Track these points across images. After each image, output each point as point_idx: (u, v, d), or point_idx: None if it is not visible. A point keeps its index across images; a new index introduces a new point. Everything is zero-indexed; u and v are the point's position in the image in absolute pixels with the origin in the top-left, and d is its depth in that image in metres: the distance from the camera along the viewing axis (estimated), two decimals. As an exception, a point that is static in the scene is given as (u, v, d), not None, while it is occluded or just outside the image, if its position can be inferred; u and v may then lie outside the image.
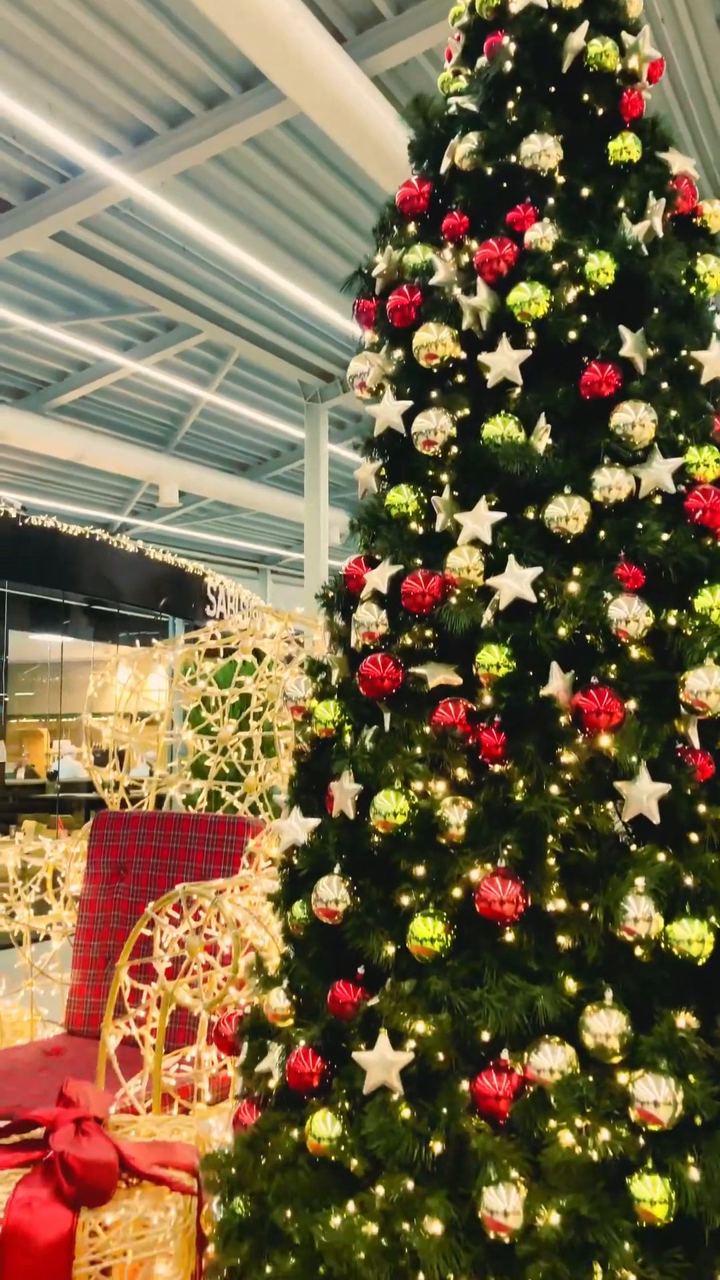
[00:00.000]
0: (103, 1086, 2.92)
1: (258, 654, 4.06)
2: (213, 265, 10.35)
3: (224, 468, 16.57)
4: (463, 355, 2.32)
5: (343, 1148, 1.99)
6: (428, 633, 2.24)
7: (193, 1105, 2.94)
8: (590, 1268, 1.78)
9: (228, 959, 2.85)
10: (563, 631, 2.06)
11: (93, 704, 4.10)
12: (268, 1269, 2.04)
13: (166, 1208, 2.29)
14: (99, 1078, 2.95)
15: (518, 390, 2.26)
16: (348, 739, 2.31)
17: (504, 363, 2.23)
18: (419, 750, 2.16)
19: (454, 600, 2.17)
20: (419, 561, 2.26)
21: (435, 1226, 1.84)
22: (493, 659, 2.08)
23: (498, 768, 2.09)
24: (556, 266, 2.25)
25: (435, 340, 2.28)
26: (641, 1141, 1.83)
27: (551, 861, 2.01)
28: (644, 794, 1.98)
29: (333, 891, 2.15)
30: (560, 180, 2.35)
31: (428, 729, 2.16)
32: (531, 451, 2.18)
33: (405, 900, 2.09)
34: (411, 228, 2.52)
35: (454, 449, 2.28)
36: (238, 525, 19.73)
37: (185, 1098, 3.00)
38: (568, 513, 2.12)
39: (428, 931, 2.01)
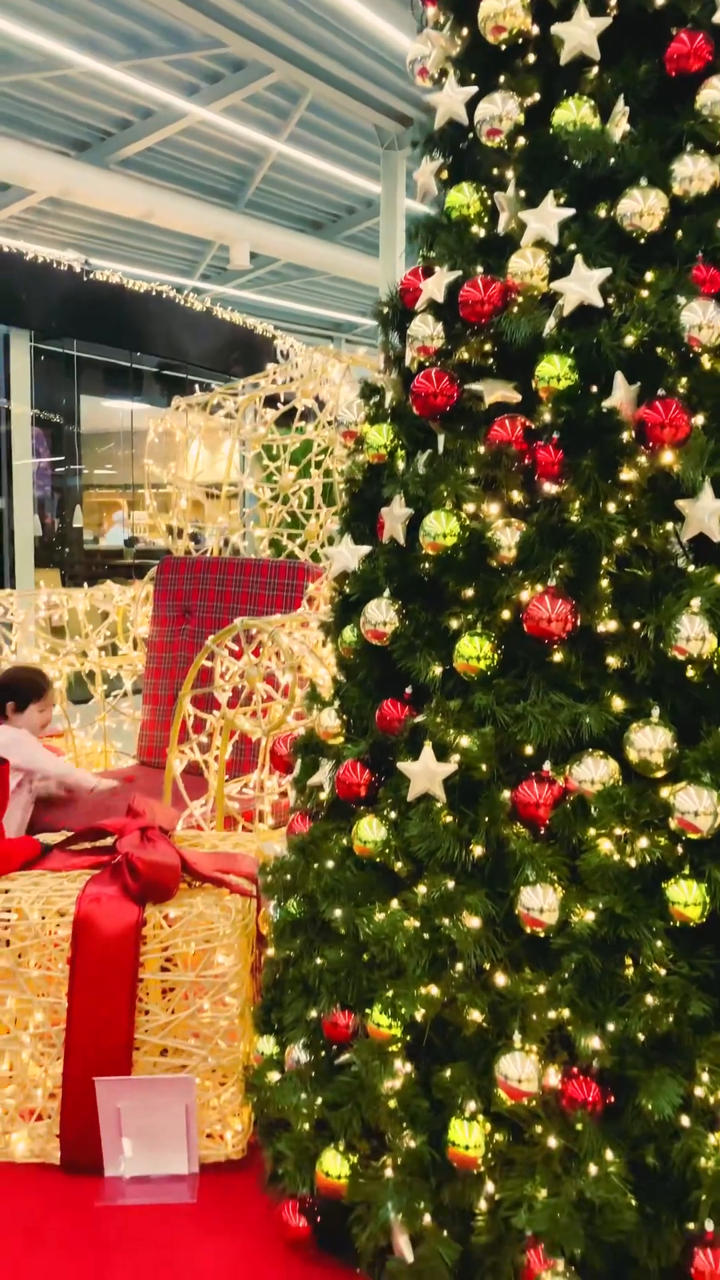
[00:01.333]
0: (169, 804, 3.07)
1: (320, 403, 3.95)
2: (282, -10, 9.46)
3: (296, 226, 15.75)
4: (534, 30, 2.08)
5: (387, 850, 2.06)
6: (486, 346, 2.12)
7: (254, 827, 3.09)
8: (622, 961, 1.85)
9: (287, 691, 2.91)
10: (630, 339, 1.93)
11: (153, 450, 4.07)
12: (318, 960, 2.17)
13: (226, 907, 2.43)
14: (165, 798, 3.10)
15: (594, 69, 2.03)
16: (400, 464, 2.24)
17: (580, 35, 2.00)
18: (472, 471, 2.08)
19: (515, 308, 2.03)
20: (479, 268, 2.10)
21: (473, 921, 1.92)
22: (554, 370, 1.96)
23: (553, 488, 2.00)
24: None
25: (504, 9, 2.04)
26: (679, 850, 1.85)
27: (604, 583, 1.96)
28: (706, 512, 1.90)
29: (381, 614, 2.14)
30: None
31: (482, 449, 2.07)
32: (606, 139, 1.98)
33: (454, 623, 2.07)
34: None
35: (521, 140, 2.08)
36: (311, 289, 18.95)
37: (248, 821, 3.15)
38: (642, 208, 1.93)
39: (474, 650, 1.99)
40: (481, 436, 2.08)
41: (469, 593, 2.07)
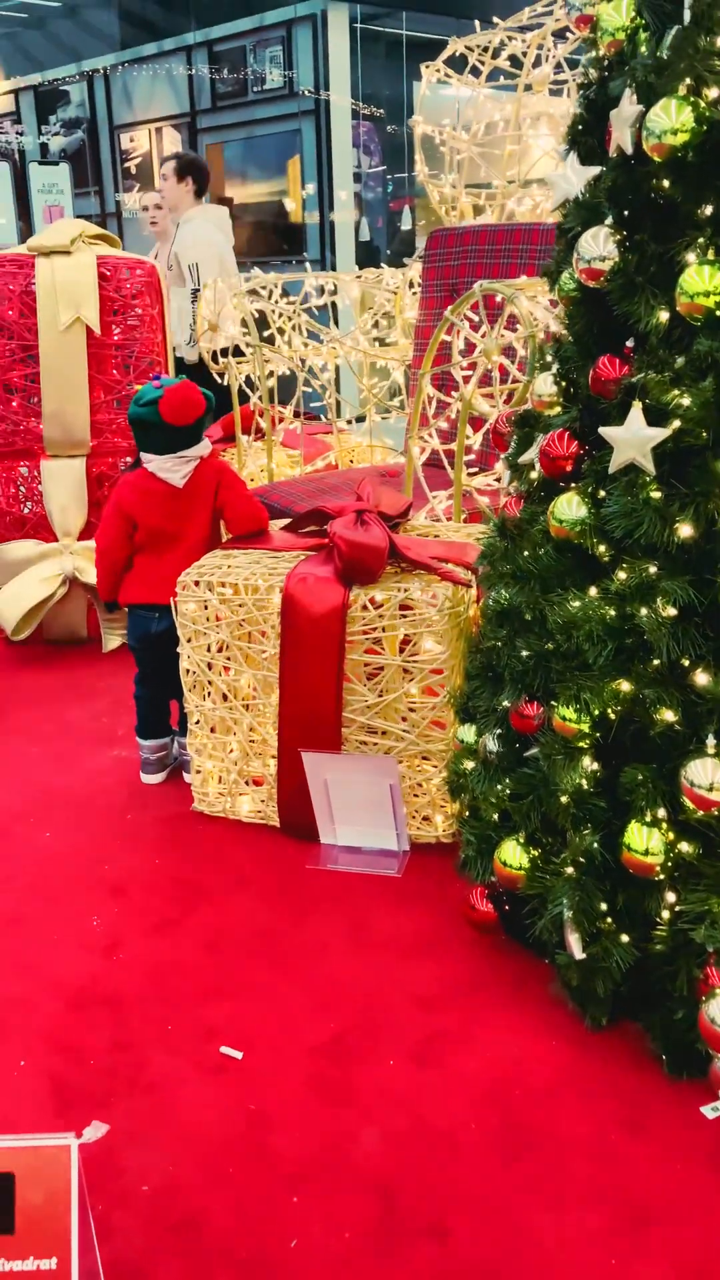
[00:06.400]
0: (409, 496, 2.92)
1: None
2: None
3: None
4: None
5: (584, 531, 1.79)
6: None
7: (501, 521, 2.87)
8: None
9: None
10: None
11: (423, 105, 3.62)
12: (523, 652, 1.98)
13: (435, 594, 2.29)
14: (406, 489, 2.95)
15: None
16: (644, 49, 1.76)
17: None
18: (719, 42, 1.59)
19: None
20: None
21: (670, 610, 1.64)
22: None
23: None
24: None
25: None
26: None
27: None
28: None
29: (598, 247, 1.76)
30: None
31: (737, 6, 1.57)
32: None
33: (690, 256, 1.66)
34: None
35: None
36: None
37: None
38: None
39: (701, 283, 1.60)
40: (739, -11, 1.57)
41: (708, 211, 1.64)
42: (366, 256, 10.04)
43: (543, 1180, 1.59)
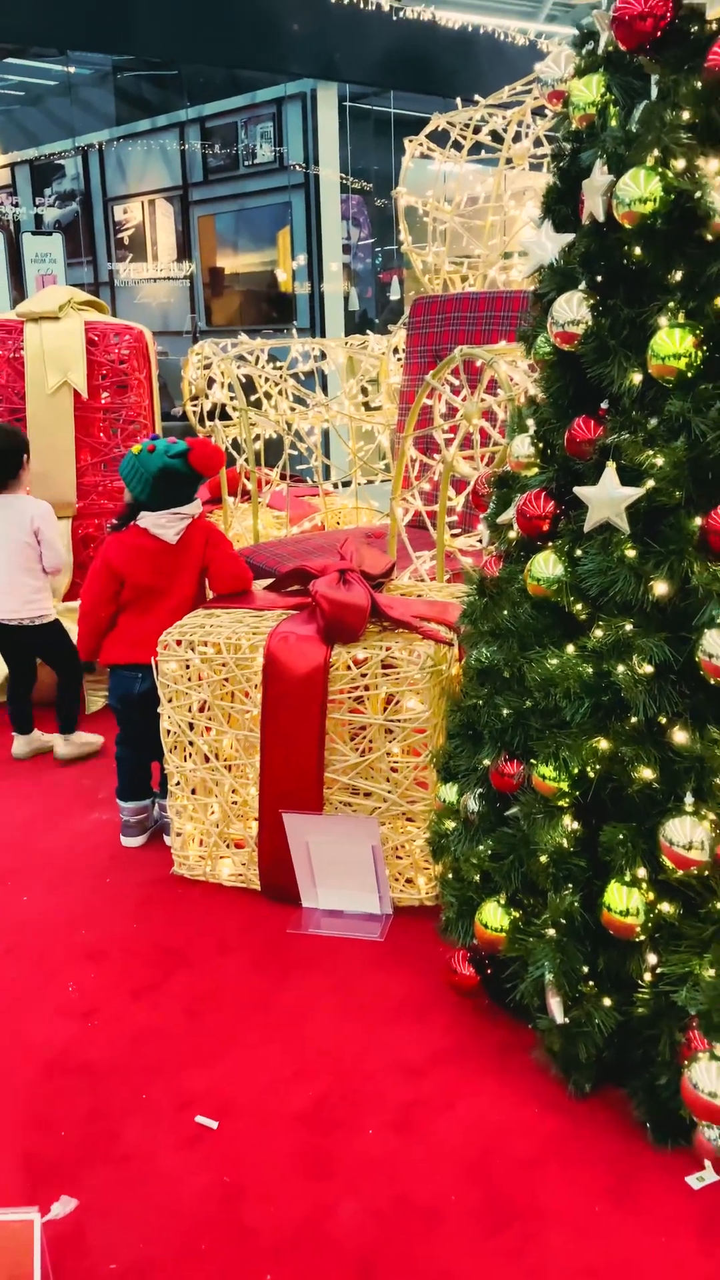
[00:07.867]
0: (394, 557, 2.93)
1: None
2: None
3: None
4: None
5: (561, 589, 1.80)
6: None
7: (484, 581, 2.89)
8: None
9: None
10: None
11: (406, 178, 3.71)
12: (503, 710, 1.98)
13: (415, 652, 2.29)
14: (390, 550, 2.97)
15: None
16: (614, 123, 1.81)
17: None
18: (685, 115, 1.64)
19: None
20: None
21: (645, 667, 1.64)
22: None
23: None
24: None
25: None
26: None
27: None
28: None
29: (571, 311, 1.79)
30: None
31: (699, 83, 1.62)
32: None
33: (663, 320, 1.69)
34: None
35: None
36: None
37: (481, 576, 2.95)
38: None
39: (672, 346, 1.62)
40: (699, 67, 1.62)
41: (676, 275, 1.68)
42: (356, 326, 10.22)
43: (525, 1254, 1.55)
